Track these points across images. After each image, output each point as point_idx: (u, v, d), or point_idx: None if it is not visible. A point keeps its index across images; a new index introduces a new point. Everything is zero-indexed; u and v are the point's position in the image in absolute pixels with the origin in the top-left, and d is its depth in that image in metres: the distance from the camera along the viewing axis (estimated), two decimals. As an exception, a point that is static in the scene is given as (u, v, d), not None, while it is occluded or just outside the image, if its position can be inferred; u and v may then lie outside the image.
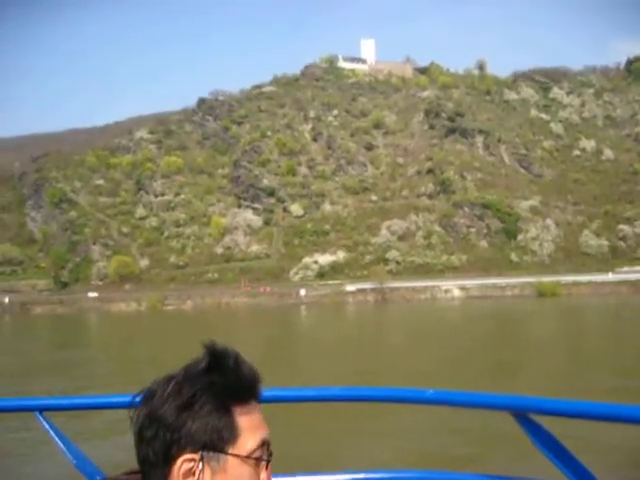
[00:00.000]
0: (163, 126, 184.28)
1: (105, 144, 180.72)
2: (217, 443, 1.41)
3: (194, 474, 1.39)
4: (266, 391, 2.60)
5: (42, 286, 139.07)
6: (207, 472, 1.39)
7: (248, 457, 1.43)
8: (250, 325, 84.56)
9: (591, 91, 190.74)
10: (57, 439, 2.81)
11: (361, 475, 2.62)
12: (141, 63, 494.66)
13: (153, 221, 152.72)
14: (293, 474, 2.63)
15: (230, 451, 1.42)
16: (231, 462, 1.42)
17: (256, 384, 1.53)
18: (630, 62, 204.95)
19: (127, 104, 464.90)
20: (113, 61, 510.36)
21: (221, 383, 1.44)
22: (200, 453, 1.40)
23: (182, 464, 1.39)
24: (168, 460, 1.39)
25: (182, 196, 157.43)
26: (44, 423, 2.87)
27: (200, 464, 1.39)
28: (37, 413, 2.90)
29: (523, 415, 2.27)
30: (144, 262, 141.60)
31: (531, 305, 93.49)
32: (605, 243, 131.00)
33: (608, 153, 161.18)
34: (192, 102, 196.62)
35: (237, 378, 1.47)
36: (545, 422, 2.27)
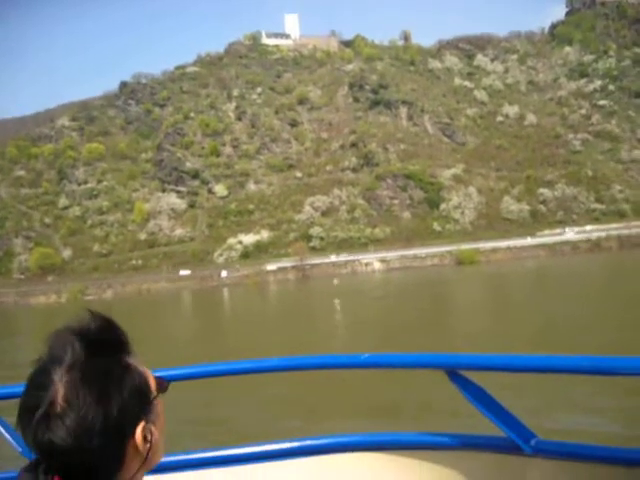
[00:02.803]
0: (85, 112, 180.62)
1: (26, 134, 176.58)
2: (146, 401, 1.42)
3: (149, 435, 1.40)
4: (206, 366, 2.91)
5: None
6: (153, 428, 1.41)
7: (163, 390, 1.50)
8: (171, 311, 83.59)
9: (515, 57, 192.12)
10: (1, 428, 2.83)
11: (307, 442, 2.80)
12: (64, 49, 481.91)
13: (76, 210, 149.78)
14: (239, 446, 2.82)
15: (152, 399, 1.44)
16: (157, 406, 1.46)
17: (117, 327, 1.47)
18: (554, 26, 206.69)
19: (49, 94, 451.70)
20: (34, 49, 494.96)
21: (111, 349, 1.40)
22: (143, 420, 1.39)
23: (140, 435, 1.38)
24: (124, 445, 1.37)
25: (105, 183, 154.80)
26: None
27: (149, 424, 1.40)
28: None
29: (454, 372, 2.40)
30: (67, 252, 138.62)
31: (446, 274, 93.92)
32: (526, 208, 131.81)
33: (531, 118, 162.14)
34: (114, 86, 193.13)
35: (115, 334, 1.43)
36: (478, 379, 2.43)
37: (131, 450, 1.37)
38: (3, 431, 2.78)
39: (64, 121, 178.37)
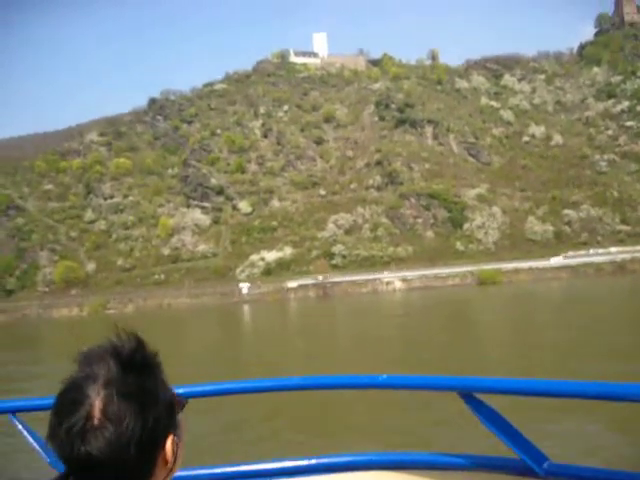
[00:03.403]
0: (113, 128, 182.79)
1: (55, 148, 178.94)
2: (174, 415, 1.53)
3: (176, 447, 1.49)
4: (224, 384, 3.02)
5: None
6: (178, 438, 1.52)
7: (183, 406, 1.59)
8: (189, 327, 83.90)
9: (542, 77, 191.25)
10: (31, 439, 2.91)
11: (323, 460, 2.87)
12: (94, 66, 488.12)
13: (102, 224, 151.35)
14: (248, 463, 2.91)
15: (178, 413, 1.55)
16: (181, 421, 1.56)
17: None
18: (582, 47, 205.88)
19: (79, 109, 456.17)
20: (65, 65, 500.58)
21: (143, 366, 1.48)
22: (172, 432, 1.49)
23: (170, 447, 1.47)
24: (155, 456, 1.45)
25: (131, 198, 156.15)
26: (18, 425, 2.95)
27: (176, 437, 1.50)
28: (11, 415, 2.96)
29: (469, 394, 2.49)
30: (91, 266, 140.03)
31: (465, 294, 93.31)
32: (550, 229, 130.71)
33: (557, 138, 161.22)
34: (144, 103, 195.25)
35: (146, 352, 1.50)
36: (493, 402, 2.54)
37: (160, 462, 1.45)
38: (32, 442, 2.87)
39: (93, 136, 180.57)
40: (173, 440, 1.47)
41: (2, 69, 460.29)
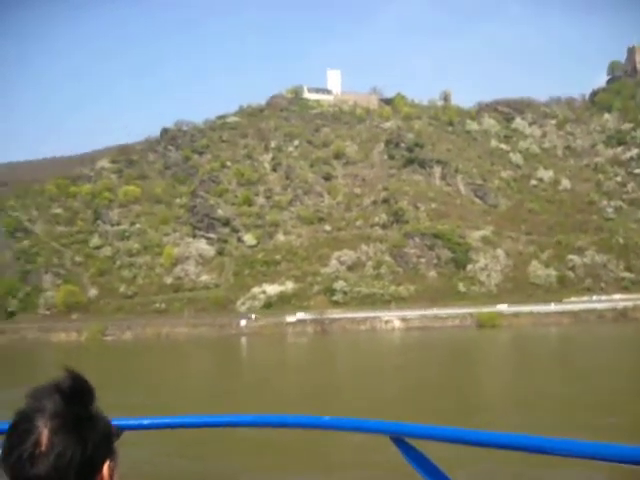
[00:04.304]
0: (125, 155, 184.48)
1: (67, 173, 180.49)
2: (111, 443, 1.78)
3: (112, 472, 1.76)
4: (163, 419, 3.07)
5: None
6: (114, 464, 1.79)
7: (118, 436, 1.85)
8: (187, 359, 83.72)
9: (553, 122, 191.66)
10: None
11: None
12: (113, 95, 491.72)
13: (107, 250, 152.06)
14: None
15: (114, 441, 1.81)
16: (117, 449, 1.81)
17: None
18: (594, 93, 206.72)
19: (95, 137, 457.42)
20: (83, 93, 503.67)
21: (83, 399, 1.74)
22: (108, 459, 1.75)
23: (107, 471, 1.73)
24: (94, 477, 1.71)
25: (138, 225, 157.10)
26: None
27: (112, 463, 1.77)
28: None
29: (400, 439, 2.58)
30: (93, 291, 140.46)
31: (463, 337, 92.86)
32: (553, 273, 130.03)
33: (565, 183, 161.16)
34: (157, 132, 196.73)
35: (86, 386, 1.77)
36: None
37: None
38: None
39: (104, 163, 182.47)
40: (109, 465, 1.72)
41: (21, 94, 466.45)
